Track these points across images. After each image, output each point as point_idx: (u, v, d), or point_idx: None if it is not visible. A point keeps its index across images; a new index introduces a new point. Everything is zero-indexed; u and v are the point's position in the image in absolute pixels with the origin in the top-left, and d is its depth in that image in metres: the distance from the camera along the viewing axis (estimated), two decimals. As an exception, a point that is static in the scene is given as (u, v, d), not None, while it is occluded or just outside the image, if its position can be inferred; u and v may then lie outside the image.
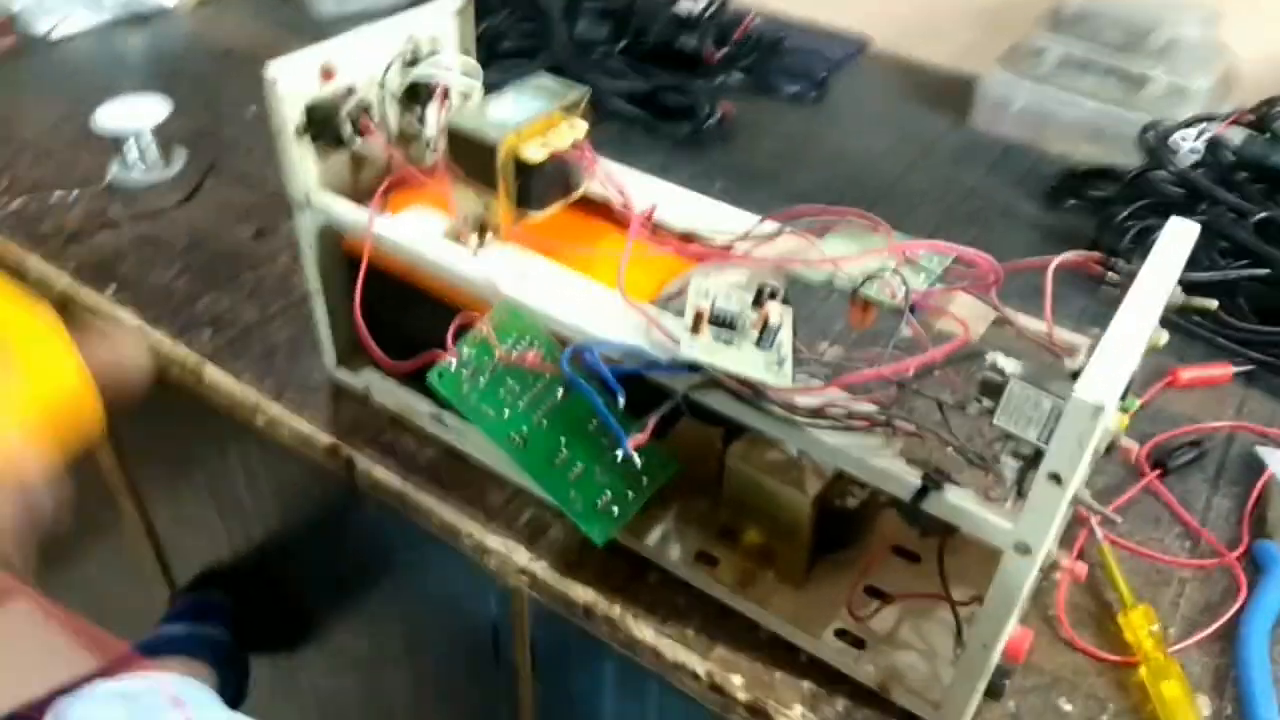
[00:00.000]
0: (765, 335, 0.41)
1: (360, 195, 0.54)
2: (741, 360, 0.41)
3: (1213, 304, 0.41)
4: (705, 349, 0.41)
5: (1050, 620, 0.49)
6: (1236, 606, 0.49)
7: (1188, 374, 0.63)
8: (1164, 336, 0.41)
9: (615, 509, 0.47)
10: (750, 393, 0.41)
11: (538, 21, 0.91)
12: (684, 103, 0.87)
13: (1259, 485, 0.56)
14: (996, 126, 0.88)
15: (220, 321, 0.66)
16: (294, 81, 0.50)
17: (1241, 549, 0.53)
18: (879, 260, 0.45)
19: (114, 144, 0.79)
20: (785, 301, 0.44)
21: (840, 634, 0.48)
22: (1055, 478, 0.34)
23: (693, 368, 0.42)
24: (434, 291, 0.51)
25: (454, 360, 0.47)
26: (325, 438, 0.58)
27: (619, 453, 0.42)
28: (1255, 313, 0.65)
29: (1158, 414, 0.61)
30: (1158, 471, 0.57)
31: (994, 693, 0.44)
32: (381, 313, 0.53)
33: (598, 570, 0.51)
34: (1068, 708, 0.46)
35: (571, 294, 0.48)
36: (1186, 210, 0.68)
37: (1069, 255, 0.42)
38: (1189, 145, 0.69)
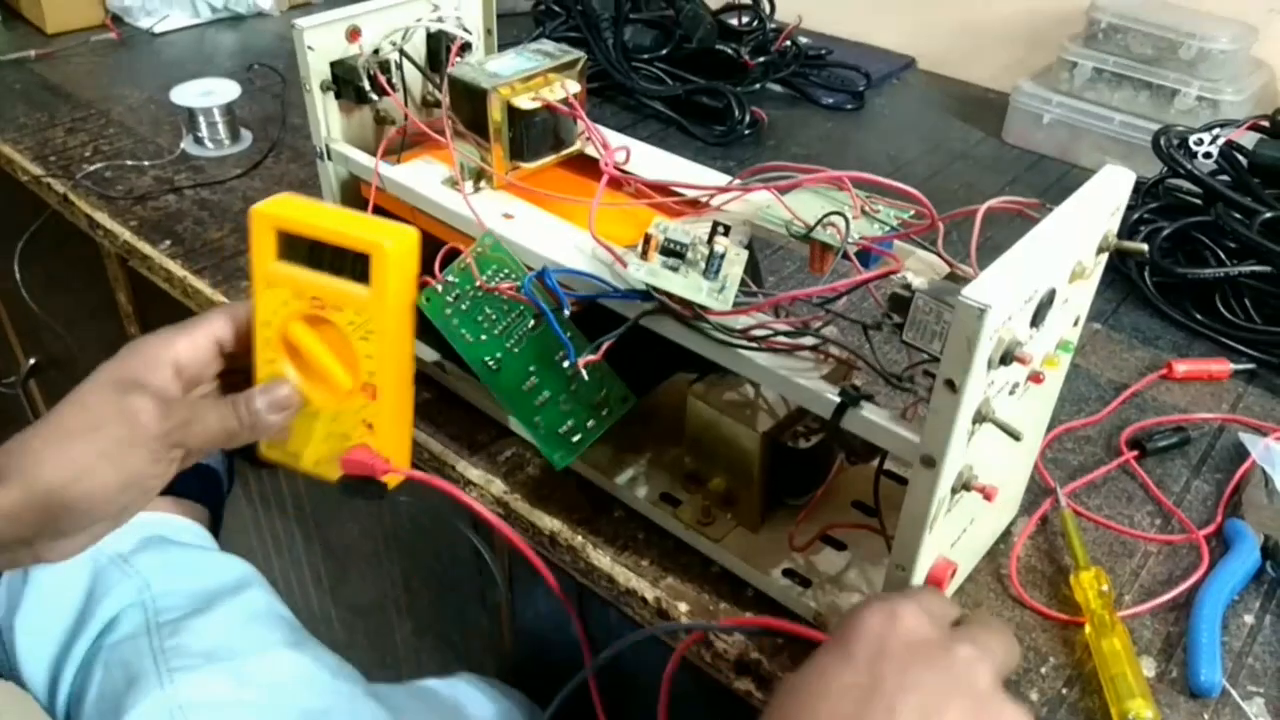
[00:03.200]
0: (711, 264, 0.44)
1: (379, 150, 0.58)
2: (685, 285, 0.43)
3: (1143, 248, 0.42)
4: (650, 272, 0.44)
5: (1002, 579, 0.50)
6: (1196, 578, 0.49)
7: (1183, 367, 0.63)
8: (1095, 266, 0.42)
9: (576, 437, 0.50)
10: (690, 315, 0.44)
11: (588, 29, 0.96)
12: (718, 107, 0.90)
13: (1240, 471, 0.55)
14: (1028, 140, 0.89)
15: (258, 273, 0.71)
16: (322, 39, 0.55)
17: (1212, 528, 0.52)
18: (835, 210, 0.47)
19: (187, 120, 0.87)
20: (747, 247, 0.46)
21: (788, 574, 0.49)
22: (950, 384, 0.35)
23: (644, 296, 0.44)
24: (436, 234, 0.55)
25: (439, 286, 0.51)
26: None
27: (566, 364, 0.45)
28: (1259, 313, 0.64)
29: (1147, 404, 0.61)
30: (1135, 453, 0.57)
31: None
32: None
33: (565, 504, 0.53)
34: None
35: (548, 232, 0.51)
36: (1197, 211, 0.68)
37: (1001, 200, 0.43)
38: (1203, 150, 0.69)
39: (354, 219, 0.48)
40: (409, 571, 0.77)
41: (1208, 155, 0.70)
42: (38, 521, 0.44)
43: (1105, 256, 0.42)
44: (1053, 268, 0.38)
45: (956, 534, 0.45)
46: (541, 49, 0.56)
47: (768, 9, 1.00)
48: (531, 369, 0.51)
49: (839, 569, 0.49)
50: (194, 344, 0.48)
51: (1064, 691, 0.45)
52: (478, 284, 0.50)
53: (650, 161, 0.57)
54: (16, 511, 0.43)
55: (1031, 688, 0.45)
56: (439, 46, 0.59)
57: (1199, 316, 0.66)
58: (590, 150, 0.57)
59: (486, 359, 0.51)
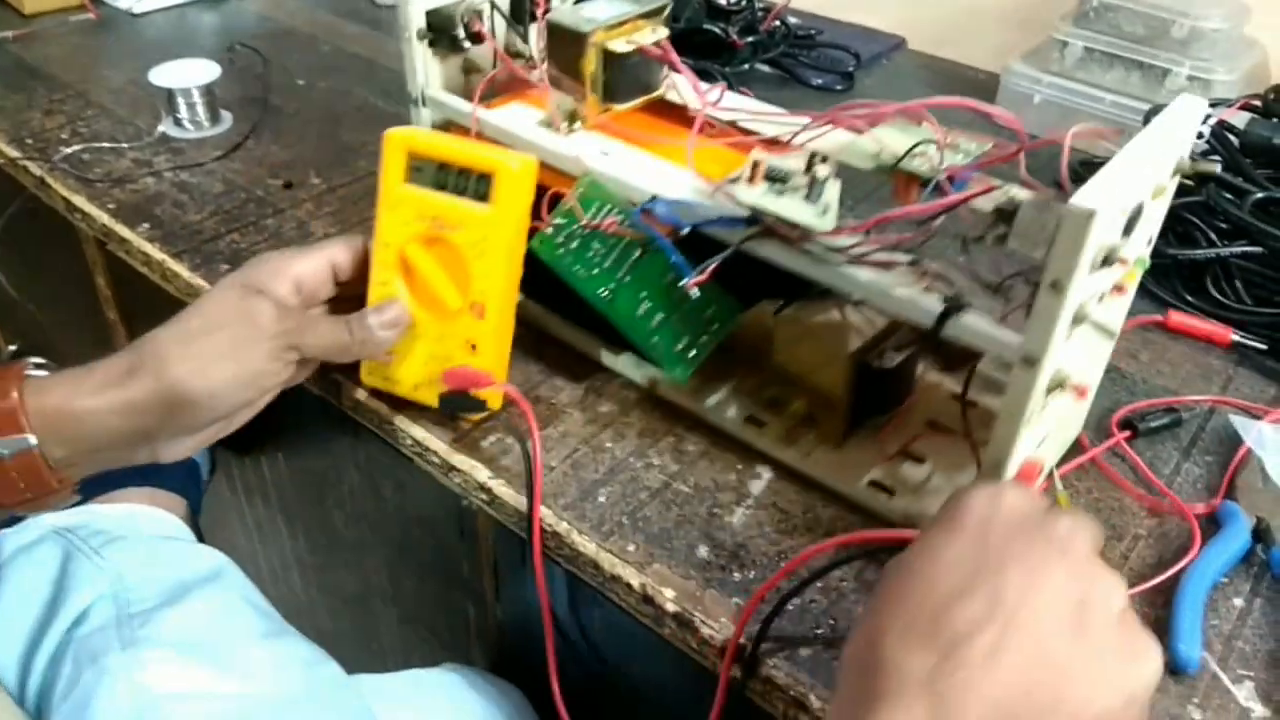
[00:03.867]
0: (813, 190, 0.46)
1: (469, 99, 0.60)
2: (791, 208, 0.46)
3: (1215, 168, 0.46)
4: (759, 195, 0.47)
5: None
6: (1186, 561, 0.49)
7: (1179, 317, 0.64)
8: (1170, 187, 0.46)
9: (693, 352, 0.54)
10: (796, 236, 0.47)
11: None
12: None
13: (1237, 456, 0.55)
14: (1020, 120, 0.88)
15: (238, 257, 0.70)
16: None
17: (1205, 511, 0.52)
18: (921, 142, 0.48)
19: (167, 101, 0.85)
20: (836, 176, 0.48)
21: (873, 485, 0.52)
22: (1055, 285, 0.39)
23: (748, 222, 0.48)
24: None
25: (550, 228, 0.54)
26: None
27: (683, 283, 0.49)
28: (1250, 293, 0.64)
29: (1138, 385, 0.61)
30: (1127, 434, 0.56)
31: None
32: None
33: (550, 490, 0.53)
34: (995, 642, 0.46)
35: (646, 169, 0.54)
36: (1188, 192, 0.67)
37: (1084, 126, 0.45)
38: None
39: (479, 145, 0.54)
40: (395, 561, 0.76)
41: (1199, 135, 0.69)
42: (162, 415, 0.48)
43: (1177, 178, 0.46)
44: (1142, 183, 0.41)
45: (1042, 436, 0.48)
46: None
47: (756, -12, 0.99)
48: (643, 294, 0.54)
49: (921, 479, 0.53)
50: (314, 264, 0.53)
51: (1053, 676, 0.44)
52: (583, 223, 0.53)
53: (732, 102, 0.59)
54: (145, 404, 0.47)
55: (1021, 673, 0.44)
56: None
57: (1189, 298, 0.66)
58: (672, 95, 0.60)
59: (600, 290, 0.54)
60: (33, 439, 0.46)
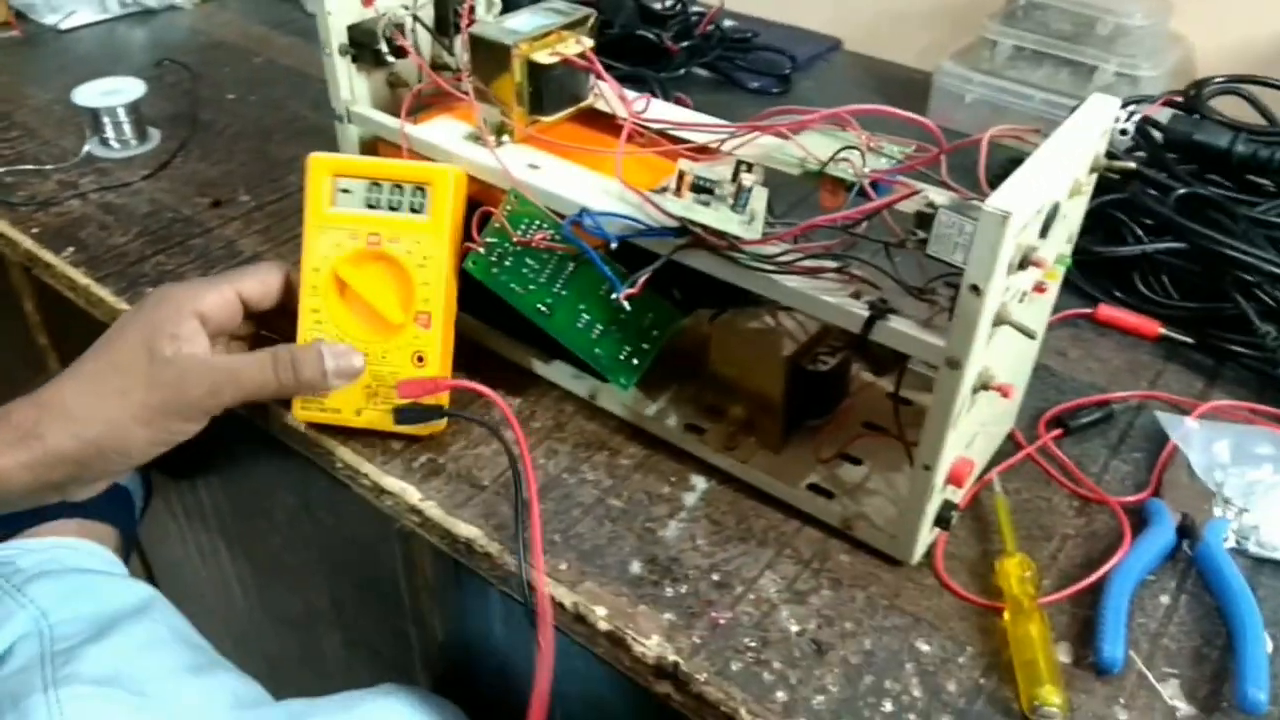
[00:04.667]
0: (740, 198, 0.46)
1: (395, 113, 0.59)
2: (718, 218, 0.46)
3: (1131, 165, 0.46)
4: (685, 207, 0.47)
5: (927, 562, 0.50)
6: (1115, 561, 0.49)
7: (1108, 311, 0.65)
8: (1088, 184, 0.47)
9: (635, 360, 0.54)
10: (724, 245, 0.47)
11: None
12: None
13: (1164, 453, 0.55)
14: (951, 119, 0.89)
15: (163, 279, 0.68)
16: (339, 4, 0.57)
17: (1132, 505, 0.52)
18: (845, 147, 0.49)
19: (91, 121, 0.83)
20: (762, 185, 0.48)
21: (812, 488, 0.53)
22: (974, 288, 0.39)
23: (677, 233, 0.48)
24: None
25: (482, 248, 0.54)
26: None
27: (614, 296, 0.49)
28: (1177, 289, 0.65)
29: (1065, 384, 0.61)
30: (1056, 433, 0.57)
31: (943, 522, 0.48)
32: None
33: (482, 510, 0.52)
34: (925, 648, 0.46)
35: (574, 180, 0.53)
36: (1114, 188, 0.68)
37: (1001, 128, 0.46)
38: (1119, 126, 0.69)
39: (400, 162, 0.55)
40: (335, 582, 0.75)
41: (1124, 132, 0.70)
42: (72, 470, 0.48)
43: (1095, 176, 0.47)
44: (1056, 183, 0.42)
45: (972, 435, 0.49)
46: (553, 7, 0.58)
47: (691, -8, 0.99)
48: (581, 307, 0.54)
49: (858, 480, 0.53)
50: (220, 298, 0.52)
51: (981, 681, 0.45)
52: (514, 240, 0.53)
53: (659, 111, 0.59)
54: (54, 461, 0.47)
55: (949, 678, 0.45)
56: (446, 9, 0.61)
57: (1118, 294, 0.66)
58: (600, 105, 0.59)
59: (539, 305, 0.54)
60: None
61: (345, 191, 0.54)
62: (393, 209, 0.53)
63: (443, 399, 0.55)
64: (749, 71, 0.98)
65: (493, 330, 0.61)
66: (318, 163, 0.53)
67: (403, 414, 0.54)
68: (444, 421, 0.55)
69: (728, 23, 1.01)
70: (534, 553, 0.49)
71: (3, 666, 0.53)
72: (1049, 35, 0.84)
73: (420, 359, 0.54)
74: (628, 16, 0.93)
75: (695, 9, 0.98)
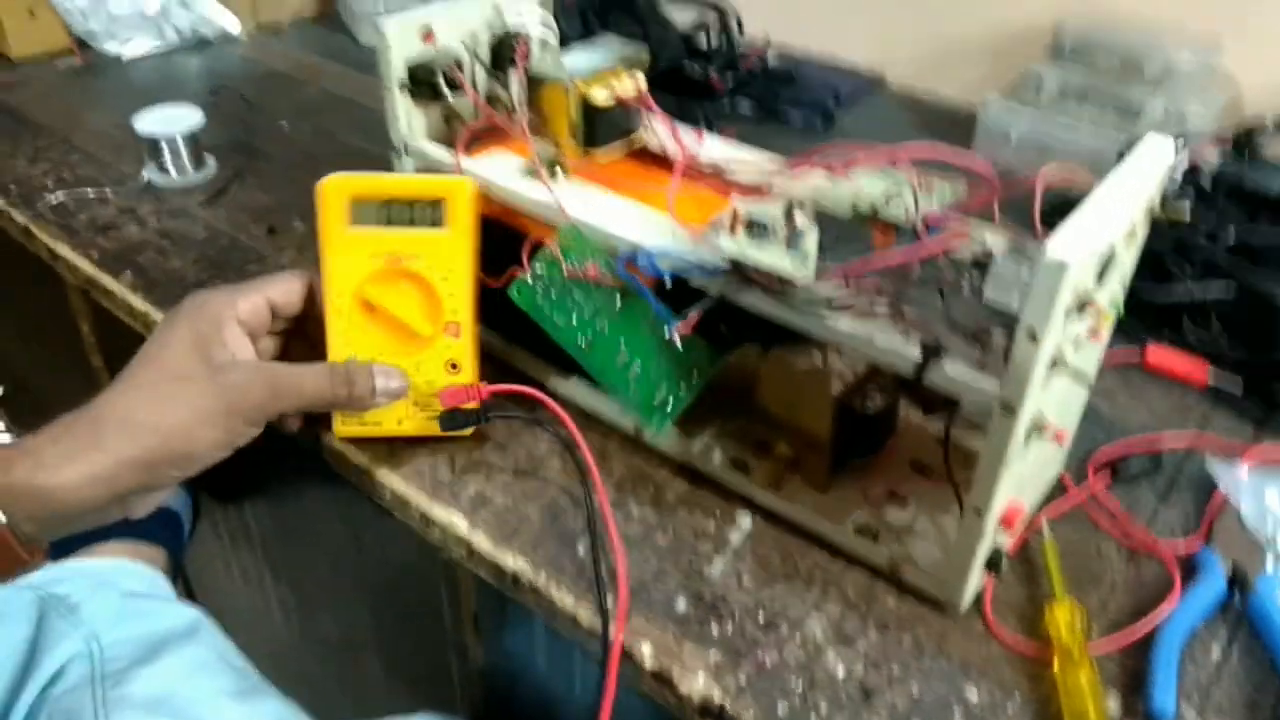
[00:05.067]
0: (793, 238, 0.46)
1: (450, 145, 0.61)
2: (771, 258, 0.47)
3: (1186, 216, 0.46)
4: (739, 245, 0.47)
5: (976, 607, 0.49)
6: (1165, 611, 0.49)
7: (1157, 354, 0.64)
8: (1142, 229, 0.47)
9: (670, 403, 0.55)
10: (777, 285, 0.48)
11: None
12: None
13: (1214, 501, 0.55)
14: (997, 155, 0.89)
15: (219, 306, 0.70)
16: (400, 40, 0.58)
17: (1183, 556, 0.52)
18: (897, 187, 0.49)
19: (150, 148, 0.85)
20: (814, 223, 0.49)
21: (859, 530, 0.53)
22: (1031, 334, 0.39)
23: (729, 271, 0.48)
24: (511, 223, 0.58)
25: (528, 275, 0.54)
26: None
27: (666, 330, 0.50)
28: (1227, 334, 0.64)
29: (1114, 427, 0.61)
30: (1105, 478, 0.56)
31: (992, 566, 0.48)
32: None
33: (530, 541, 0.53)
34: (973, 694, 0.46)
35: (628, 216, 0.54)
36: (1160, 231, 0.67)
37: (1054, 166, 0.46)
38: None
39: (414, 178, 0.56)
40: (378, 609, 0.76)
41: (1172, 172, 0.69)
42: (137, 480, 0.49)
43: (1149, 219, 0.47)
44: (1114, 227, 0.41)
45: (1022, 480, 0.48)
46: (609, 45, 0.60)
47: (736, 28, 1.00)
48: (622, 344, 0.54)
49: (905, 522, 0.53)
50: (253, 304, 0.54)
51: (1030, 730, 0.44)
52: (564, 271, 0.54)
53: (711, 147, 0.60)
54: (118, 472, 0.48)
55: (998, 727, 0.44)
56: (502, 46, 0.62)
57: (1166, 338, 0.66)
58: (651, 142, 0.61)
59: (579, 340, 0.54)
60: (1, 517, 0.46)
61: (360, 213, 0.54)
62: (410, 223, 0.54)
63: (474, 406, 0.56)
64: (793, 106, 0.98)
65: (537, 358, 0.62)
66: (332, 186, 0.54)
67: (447, 419, 0.56)
68: (476, 423, 0.57)
69: (772, 57, 1.02)
70: (619, 581, 0.50)
71: (55, 686, 0.54)
72: (1096, 73, 0.84)
73: (454, 366, 0.56)
74: (674, 51, 0.94)
75: (740, 45, 0.99)
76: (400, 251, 0.54)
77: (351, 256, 0.54)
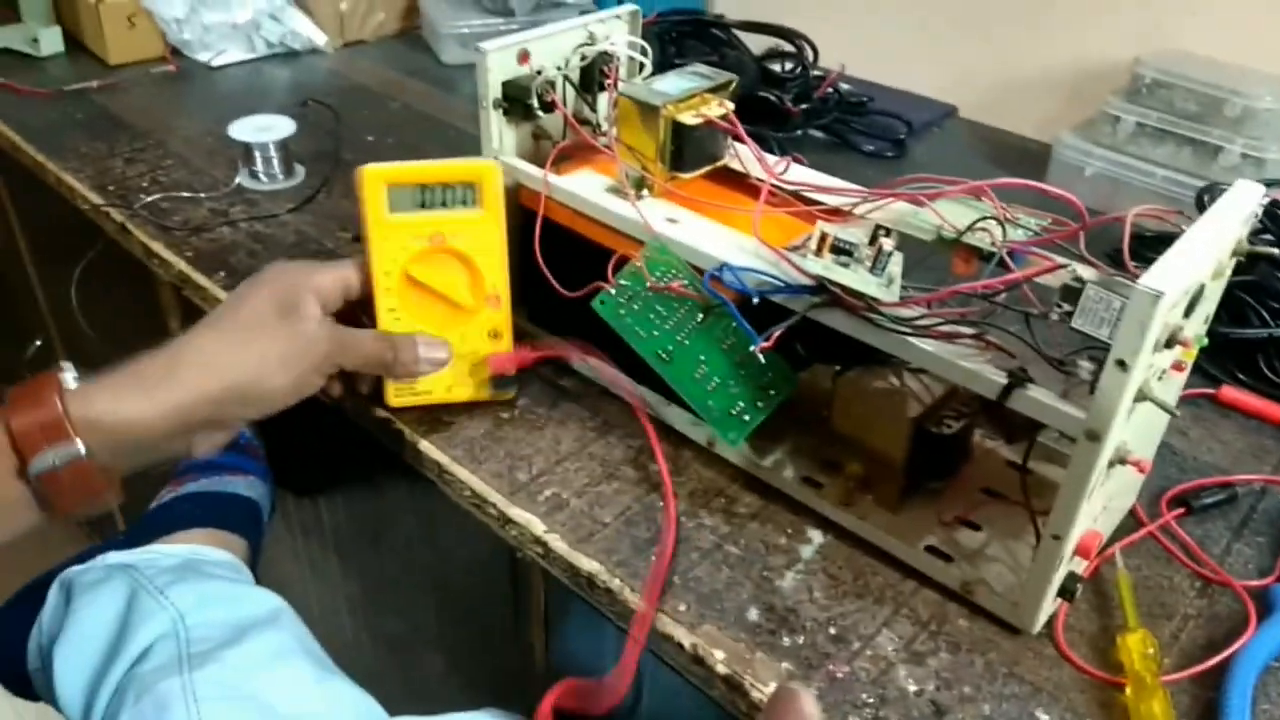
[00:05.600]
0: (878, 262, 0.48)
1: (537, 162, 0.63)
2: (857, 279, 0.48)
3: (1275, 251, 0.47)
4: (826, 267, 0.49)
5: (1047, 632, 0.50)
6: (1239, 645, 0.49)
7: (1231, 393, 0.64)
8: (1228, 268, 0.47)
9: (747, 416, 0.56)
10: (863, 306, 0.48)
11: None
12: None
13: (1287, 538, 0.55)
14: (1070, 191, 0.89)
15: (307, 307, 0.72)
16: (498, 61, 0.61)
17: (1257, 590, 0.52)
18: (983, 216, 0.50)
19: (243, 154, 0.89)
20: (898, 248, 0.50)
21: (929, 550, 0.53)
22: (1121, 364, 0.40)
23: (813, 291, 0.50)
24: (596, 238, 0.60)
25: (613, 289, 0.57)
26: (381, 411, 0.63)
27: (751, 345, 0.50)
28: (1305, 374, 0.64)
29: (1188, 463, 0.61)
30: (1179, 511, 0.56)
31: (1067, 593, 0.48)
32: (546, 256, 0.62)
33: (604, 545, 0.54)
34: (1044, 719, 0.46)
35: (712, 236, 0.56)
36: (1241, 270, 0.67)
37: (1145, 207, 0.47)
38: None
39: (445, 163, 0.58)
40: (444, 606, 0.78)
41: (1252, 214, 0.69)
42: (207, 413, 0.51)
43: (1235, 260, 0.47)
44: (1203, 265, 0.43)
45: (1100, 509, 0.49)
46: (697, 71, 0.62)
47: (810, 56, 1.02)
48: (701, 358, 0.56)
49: (977, 545, 0.54)
50: (330, 280, 0.57)
51: (1102, 755, 0.44)
52: (648, 285, 0.56)
53: (796, 174, 0.62)
54: (193, 406, 0.50)
55: (1069, 750, 0.45)
56: (592, 68, 0.65)
57: (1242, 376, 0.66)
58: (735, 164, 0.62)
59: (659, 352, 0.56)
60: (82, 447, 0.48)
61: (397, 198, 0.57)
62: (445, 205, 0.58)
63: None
64: (864, 135, 1.00)
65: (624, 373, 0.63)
66: (371, 174, 0.57)
67: (498, 384, 0.61)
68: (516, 387, 0.63)
69: (845, 87, 1.03)
70: (659, 573, 0.51)
71: (143, 664, 0.56)
72: (1173, 114, 0.84)
73: (495, 334, 0.61)
74: (750, 78, 0.96)
75: (815, 73, 1.01)
76: (441, 231, 0.58)
77: (395, 239, 0.58)
